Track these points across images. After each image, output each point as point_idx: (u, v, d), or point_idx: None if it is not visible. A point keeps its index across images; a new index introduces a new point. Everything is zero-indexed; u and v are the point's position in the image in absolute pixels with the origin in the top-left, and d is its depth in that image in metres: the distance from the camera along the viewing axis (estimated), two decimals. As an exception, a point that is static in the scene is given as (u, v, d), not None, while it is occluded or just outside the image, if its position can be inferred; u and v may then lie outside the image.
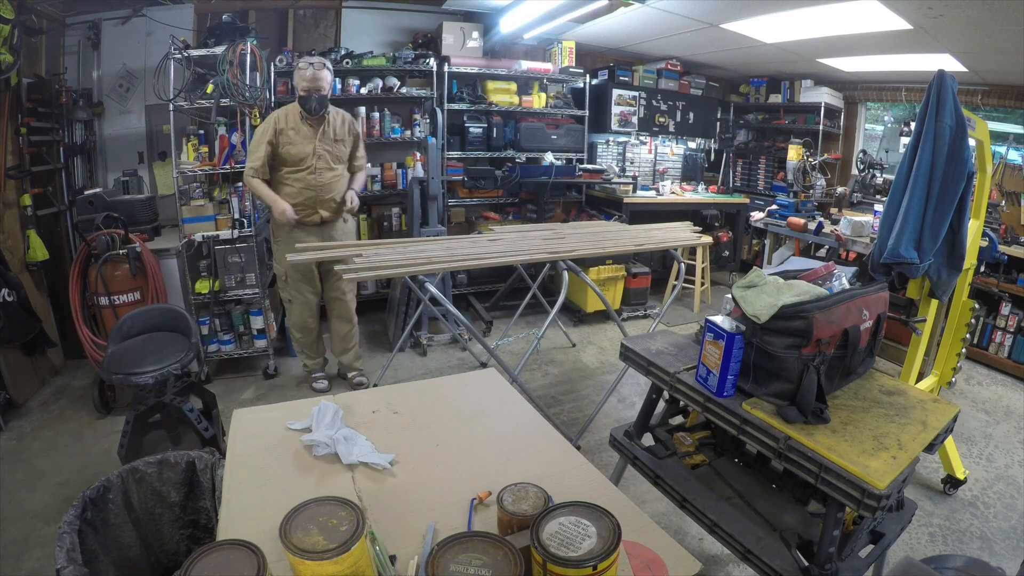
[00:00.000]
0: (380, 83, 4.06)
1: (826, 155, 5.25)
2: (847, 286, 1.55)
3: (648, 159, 5.49)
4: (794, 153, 5.00)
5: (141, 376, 2.12)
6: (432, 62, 4.12)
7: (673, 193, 5.09)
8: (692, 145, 5.70)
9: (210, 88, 3.14)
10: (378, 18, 4.35)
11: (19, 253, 3.15)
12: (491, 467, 1.20)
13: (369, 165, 4.25)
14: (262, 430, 1.33)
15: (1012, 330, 3.73)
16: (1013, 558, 2.09)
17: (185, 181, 3.32)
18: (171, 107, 3.08)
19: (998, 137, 4.03)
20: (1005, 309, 3.75)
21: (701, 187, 5.43)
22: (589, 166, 4.71)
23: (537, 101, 4.62)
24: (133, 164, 3.80)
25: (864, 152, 4.84)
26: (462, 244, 2.77)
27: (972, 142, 1.99)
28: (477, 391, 1.57)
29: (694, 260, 4.69)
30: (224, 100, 3.10)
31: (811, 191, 4.99)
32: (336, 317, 3.24)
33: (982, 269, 3.04)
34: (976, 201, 2.17)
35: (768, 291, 1.37)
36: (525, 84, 4.66)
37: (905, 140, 3.84)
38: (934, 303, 2.13)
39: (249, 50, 3.07)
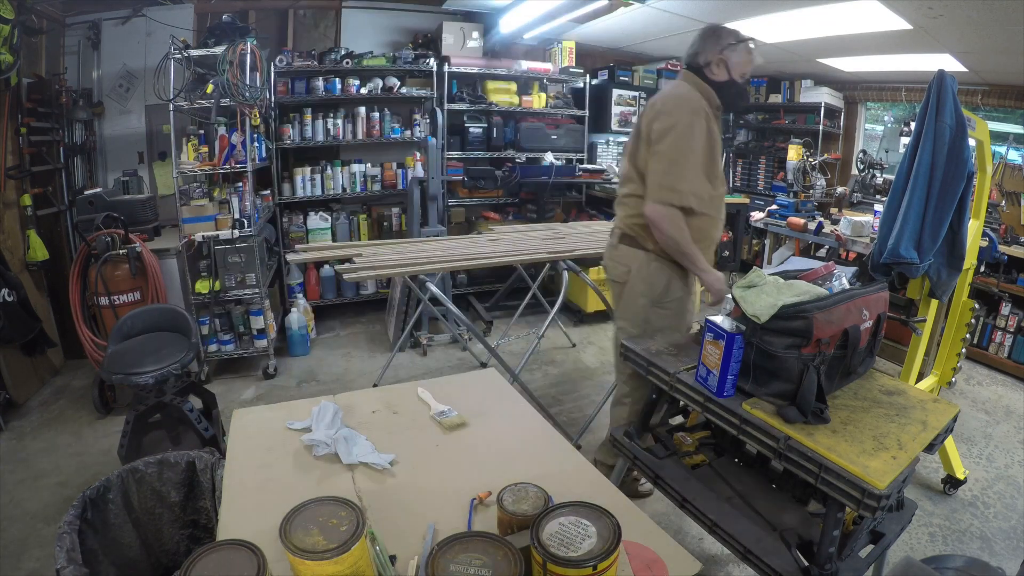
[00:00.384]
0: (380, 83, 4.06)
1: (826, 155, 5.25)
2: (847, 286, 1.55)
3: (648, 159, 5.48)
4: (794, 153, 5.00)
5: (141, 376, 2.12)
6: (432, 62, 4.12)
7: (673, 193, 5.07)
8: (692, 145, 5.69)
9: (210, 88, 3.14)
10: (378, 18, 4.35)
11: (19, 253, 3.15)
12: (491, 467, 1.20)
13: (369, 165, 4.28)
14: (262, 430, 1.33)
15: (1012, 330, 3.72)
16: (1013, 558, 2.09)
17: (185, 181, 3.32)
18: (171, 107, 3.08)
19: (998, 137, 4.02)
20: (1005, 309, 3.75)
21: (701, 187, 5.42)
22: (589, 166, 4.71)
23: (537, 101, 4.62)
24: (133, 164, 3.80)
25: (864, 152, 4.84)
26: (462, 244, 2.77)
27: (972, 142, 1.99)
28: (477, 391, 1.57)
29: (694, 260, 4.67)
30: (224, 100, 3.10)
31: (811, 191, 4.98)
32: None
33: (982, 269, 3.03)
34: (976, 201, 2.17)
35: (768, 291, 1.37)
36: (525, 84, 4.66)
37: (905, 140, 3.84)
38: (934, 303, 2.13)
39: (249, 50, 3.07)
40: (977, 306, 2.42)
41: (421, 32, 4.39)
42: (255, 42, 3.15)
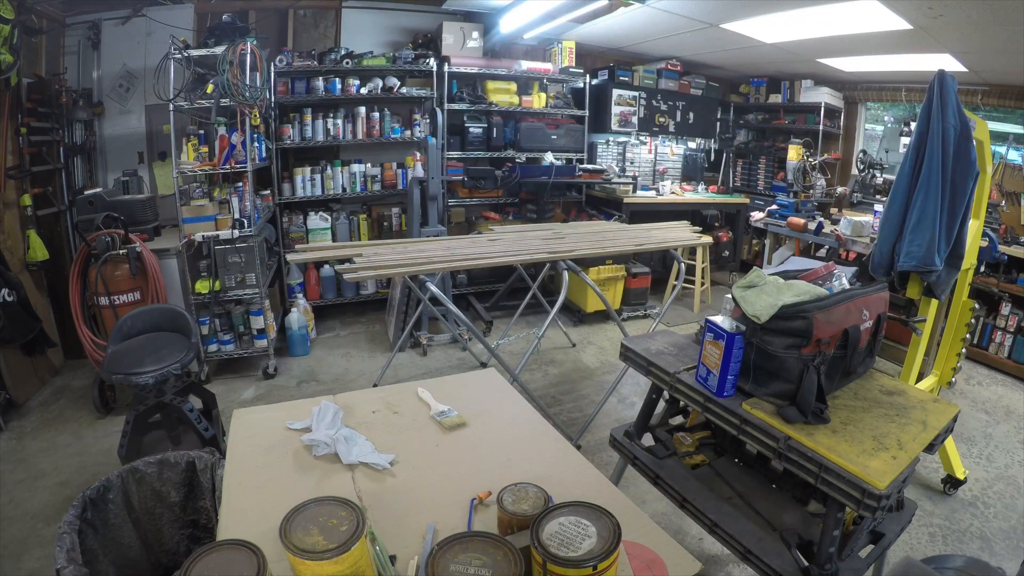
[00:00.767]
0: (380, 83, 4.06)
1: (826, 155, 5.25)
2: (847, 286, 1.55)
3: (648, 159, 5.49)
4: (794, 153, 5.00)
5: (141, 376, 2.12)
6: (432, 62, 4.12)
7: (673, 193, 5.09)
8: (692, 145, 5.70)
9: (210, 88, 3.14)
10: (378, 18, 4.35)
11: (19, 253, 3.15)
12: (491, 467, 1.20)
13: (369, 165, 4.28)
14: (262, 430, 1.33)
15: (1012, 330, 3.72)
16: (1013, 558, 2.09)
17: (185, 181, 3.32)
18: (171, 107, 3.08)
19: (998, 137, 4.03)
20: (1005, 309, 3.75)
21: (701, 187, 5.43)
22: (589, 166, 4.71)
23: (537, 101, 4.62)
24: (133, 164, 3.80)
25: (864, 152, 4.84)
26: (462, 244, 2.77)
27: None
28: (477, 391, 1.57)
29: (694, 260, 4.68)
30: (224, 100, 3.10)
31: (811, 191, 4.98)
32: None
33: (982, 269, 3.03)
34: (976, 201, 2.17)
35: (768, 291, 1.37)
36: (525, 84, 4.66)
37: (905, 140, 3.85)
38: (934, 303, 2.13)
39: (249, 50, 3.07)
40: (977, 306, 2.42)
41: (421, 32, 4.39)
42: (255, 42, 3.15)
